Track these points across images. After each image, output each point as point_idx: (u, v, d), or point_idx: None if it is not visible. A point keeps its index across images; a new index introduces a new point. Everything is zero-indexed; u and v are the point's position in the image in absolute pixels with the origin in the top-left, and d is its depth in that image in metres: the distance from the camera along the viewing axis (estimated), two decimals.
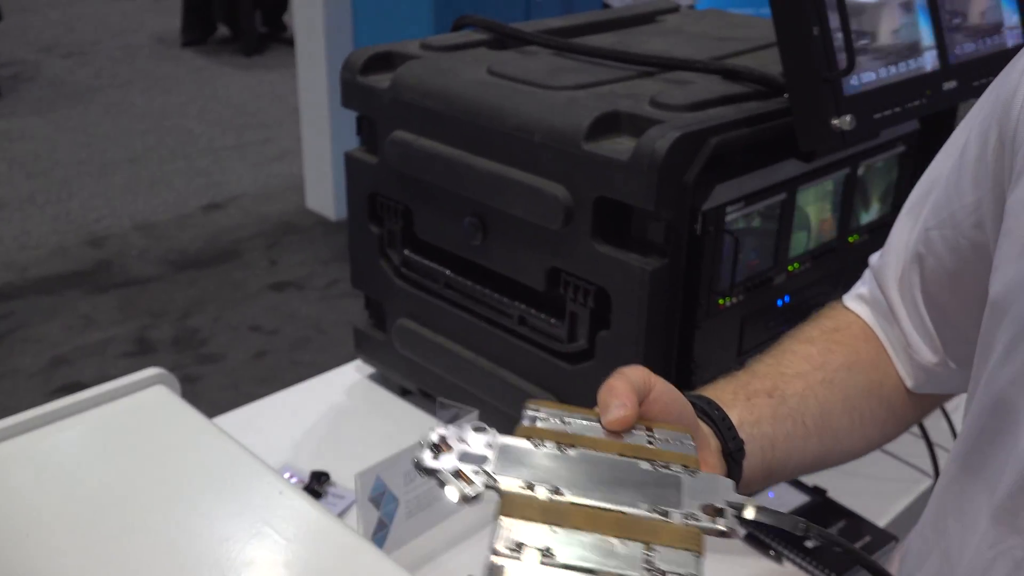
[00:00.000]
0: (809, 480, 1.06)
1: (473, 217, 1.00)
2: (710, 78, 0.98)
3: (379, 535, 0.92)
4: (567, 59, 1.08)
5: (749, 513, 0.50)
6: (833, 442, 0.76)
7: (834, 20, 0.86)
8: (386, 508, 0.92)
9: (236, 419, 1.15)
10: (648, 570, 0.44)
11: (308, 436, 1.15)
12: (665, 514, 0.48)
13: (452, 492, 0.48)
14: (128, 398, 0.82)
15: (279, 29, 6.41)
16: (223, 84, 5.63)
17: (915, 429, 1.06)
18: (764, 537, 0.95)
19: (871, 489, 1.05)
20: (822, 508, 1.03)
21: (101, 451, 0.77)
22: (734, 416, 0.68)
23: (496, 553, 0.45)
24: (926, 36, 0.98)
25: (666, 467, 0.52)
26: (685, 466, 0.52)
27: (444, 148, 1.00)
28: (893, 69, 0.94)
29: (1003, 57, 1.06)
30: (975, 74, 1.03)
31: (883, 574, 0.57)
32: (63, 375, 2.88)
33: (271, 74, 5.76)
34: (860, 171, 1.07)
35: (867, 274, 0.83)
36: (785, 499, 1.03)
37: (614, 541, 0.46)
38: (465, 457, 0.50)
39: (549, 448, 0.51)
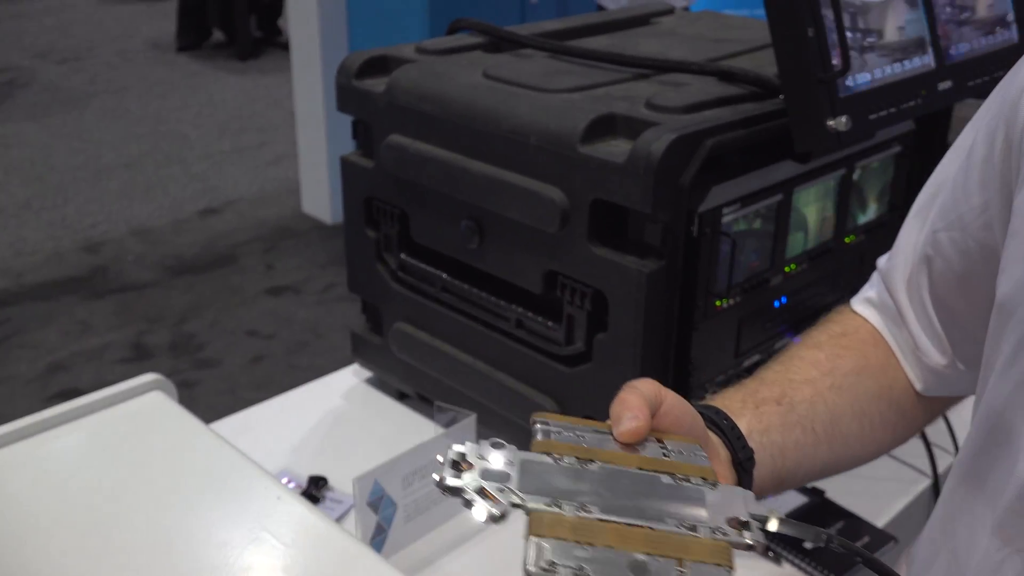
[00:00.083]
0: None
1: (469, 220, 1.00)
2: (705, 80, 0.98)
3: (377, 539, 0.92)
4: (562, 62, 1.08)
5: (772, 525, 0.50)
6: (843, 448, 0.75)
7: (829, 21, 0.86)
8: (384, 512, 0.92)
9: (233, 424, 1.15)
10: None
11: (306, 441, 1.14)
12: (693, 529, 0.48)
13: (480, 512, 0.48)
14: (125, 404, 0.82)
15: (274, 33, 6.41)
16: (218, 89, 5.63)
17: None
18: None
19: (869, 489, 1.05)
20: (821, 509, 1.03)
21: (98, 457, 0.77)
22: (743, 425, 0.68)
23: (529, 574, 0.44)
24: (921, 36, 0.98)
25: (687, 480, 0.51)
26: (704, 478, 0.52)
27: (440, 152, 1.00)
28: (888, 70, 0.94)
29: (998, 57, 1.06)
30: (970, 74, 1.03)
31: None
32: (60, 381, 2.88)
33: (266, 78, 5.76)
34: (856, 172, 1.07)
35: (875, 277, 0.83)
36: (784, 500, 1.03)
37: (646, 558, 0.45)
38: (487, 474, 0.49)
39: (568, 463, 0.51)
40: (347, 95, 1.09)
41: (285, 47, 4.91)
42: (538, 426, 0.54)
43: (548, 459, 0.51)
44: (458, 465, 0.49)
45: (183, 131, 4.95)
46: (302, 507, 0.70)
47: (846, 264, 1.12)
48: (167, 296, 3.37)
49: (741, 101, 0.94)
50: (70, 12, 7.20)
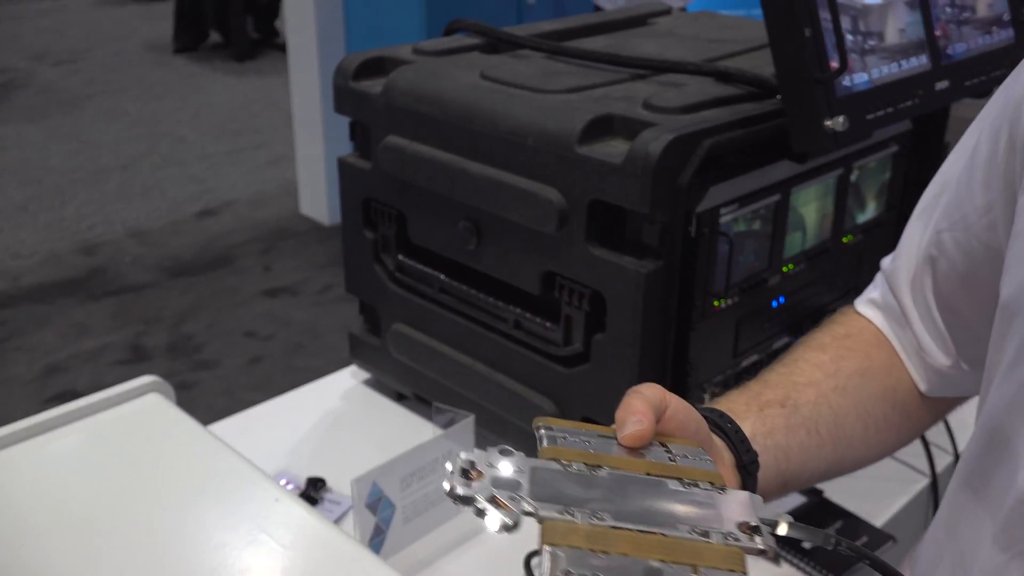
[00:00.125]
0: None
1: (467, 221, 1.00)
2: (703, 80, 0.98)
3: (376, 541, 0.92)
4: (560, 63, 1.08)
5: (782, 529, 0.50)
6: (847, 449, 0.75)
7: (826, 21, 0.86)
8: (382, 514, 0.92)
9: (231, 426, 1.15)
10: None
11: (304, 442, 1.14)
12: (706, 535, 0.47)
13: (493, 521, 0.47)
14: (123, 406, 0.82)
15: (271, 35, 6.41)
16: (215, 90, 5.63)
17: None
18: None
19: (868, 489, 1.05)
20: (819, 508, 1.03)
21: (97, 460, 0.77)
22: (747, 428, 0.67)
23: None
24: (918, 36, 0.98)
25: (695, 485, 0.51)
26: (712, 483, 0.51)
27: (437, 153, 1.00)
28: (885, 70, 0.94)
29: (995, 57, 1.06)
30: (967, 74, 1.03)
31: None
32: (57, 383, 2.88)
33: (263, 80, 5.76)
34: (854, 172, 1.07)
35: (879, 278, 0.83)
36: (783, 500, 1.03)
37: (660, 565, 0.45)
38: (497, 483, 0.49)
39: (578, 469, 0.51)
40: (344, 96, 1.09)
41: (282, 48, 4.91)
42: (543, 432, 0.53)
43: (557, 466, 0.50)
44: (468, 474, 0.49)
45: (180, 133, 4.95)
46: (300, 508, 0.70)
47: (844, 264, 1.12)
48: (165, 297, 3.37)
49: (739, 101, 0.94)
50: (67, 14, 7.19)
